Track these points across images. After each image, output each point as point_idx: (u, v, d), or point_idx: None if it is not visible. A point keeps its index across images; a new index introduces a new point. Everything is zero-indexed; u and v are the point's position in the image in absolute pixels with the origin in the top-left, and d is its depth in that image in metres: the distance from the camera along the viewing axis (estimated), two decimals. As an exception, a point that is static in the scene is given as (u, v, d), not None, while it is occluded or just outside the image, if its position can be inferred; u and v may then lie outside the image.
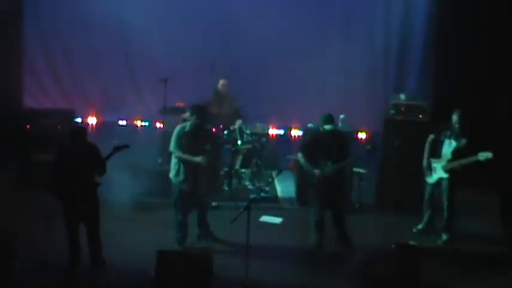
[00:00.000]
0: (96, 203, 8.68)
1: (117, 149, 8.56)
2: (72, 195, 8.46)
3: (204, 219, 9.64)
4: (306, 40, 14.10)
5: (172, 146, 9.42)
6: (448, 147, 9.98)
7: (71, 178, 8.41)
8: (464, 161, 9.74)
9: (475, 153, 9.63)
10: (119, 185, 10.07)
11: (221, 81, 12.28)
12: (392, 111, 11.53)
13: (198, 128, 9.32)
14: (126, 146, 8.69)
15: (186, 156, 9.29)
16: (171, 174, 9.51)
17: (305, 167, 9.66)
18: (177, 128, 9.50)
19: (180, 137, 9.35)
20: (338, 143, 9.51)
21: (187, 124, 9.42)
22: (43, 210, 10.36)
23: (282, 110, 14.46)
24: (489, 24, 12.32)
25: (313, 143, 9.73)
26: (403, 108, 11.49)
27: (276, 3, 14.05)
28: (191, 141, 9.31)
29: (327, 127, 9.43)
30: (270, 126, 13.92)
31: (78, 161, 8.44)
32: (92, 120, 15.05)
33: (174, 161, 9.48)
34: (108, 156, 8.52)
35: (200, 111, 9.36)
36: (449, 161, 9.89)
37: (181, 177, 9.37)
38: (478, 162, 9.65)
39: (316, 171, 9.46)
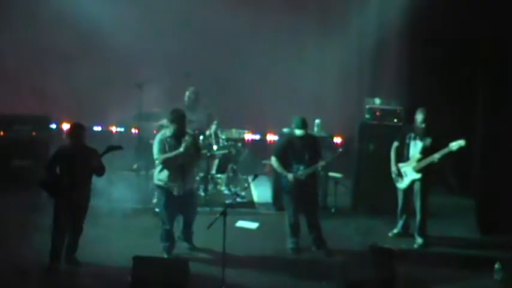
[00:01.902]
0: (87, 200, 8.93)
1: (111, 148, 8.77)
2: (66, 190, 8.58)
3: (191, 226, 9.58)
4: (280, 44, 14.08)
5: (155, 153, 9.38)
6: (414, 148, 10.01)
7: (67, 174, 8.61)
8: (437, 155, 9.71)
9: (444, 147, 9.67)
10: (95, 192, 9.98)
11: (191, 88, 12.23)
12: (367, 116, 11.58)
13: (179, 134, 9.29)
14: (120, 148, 8.91)
15: (168, 154, 9.23)
16: (158, 180, 9.42)
17: (278, 170, 9.72)
18: (158, 136, 9.48)
19: (162, 142, 9.32)
20: (311, 146, 9.56)
21: (167, 131, 9.39)
22: (19, 216, 10.30)
23: (258, 115, 14.44)
24: (466, 25, 12.28)
25: (286, 147, 9.76)
26: (378, 113, 11.54)
27: (249, 8, 14.02)
28: (174, 147, 9.27)
29: (298, 132, 9.49)
30: (246, 131, 13.90)
31: (76, 160, 8.60)
32: (66, 126, 14.91)
33: (158, 168, 9.41)
34: (101, 155, 8.70)
35: (179, 117, 9.33)
36: (419, 160, 9.91)
37: (169, 178, 9.26)
38: (451, 152, 9.64)
39: (290, 176, 9.51)
